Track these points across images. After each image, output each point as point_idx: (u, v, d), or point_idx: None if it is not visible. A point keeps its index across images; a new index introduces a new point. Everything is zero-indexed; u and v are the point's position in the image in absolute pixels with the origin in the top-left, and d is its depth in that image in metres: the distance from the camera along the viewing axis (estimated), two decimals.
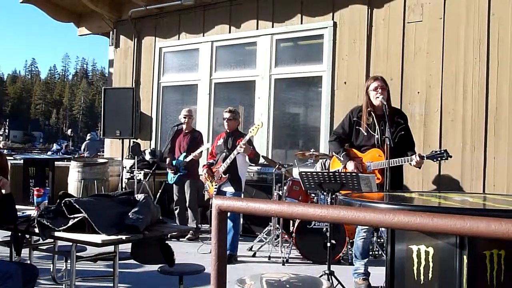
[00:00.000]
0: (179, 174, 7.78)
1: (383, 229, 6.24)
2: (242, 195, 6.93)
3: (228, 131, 6.88)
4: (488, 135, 6.99)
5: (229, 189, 6.67)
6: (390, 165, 4.90)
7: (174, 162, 7.86)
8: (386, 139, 4.86)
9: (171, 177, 7.91)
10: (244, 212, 1.50)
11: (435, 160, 5.18)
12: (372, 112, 5.21)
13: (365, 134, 5.21)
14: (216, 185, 6.72)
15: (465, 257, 2.30)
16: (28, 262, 4.42)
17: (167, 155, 8.19)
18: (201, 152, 7.67)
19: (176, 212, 7.99)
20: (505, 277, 2.36)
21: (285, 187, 7.11)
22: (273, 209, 1.45)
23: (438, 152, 5.10)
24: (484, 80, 7.05)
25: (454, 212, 2.30)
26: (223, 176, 6.64)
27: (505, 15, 6.96)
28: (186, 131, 8.01)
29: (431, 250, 2.41)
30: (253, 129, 6.51)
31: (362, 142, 5.25)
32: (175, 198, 8.00)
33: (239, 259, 6.51)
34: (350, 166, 5.13)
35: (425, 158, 5.04)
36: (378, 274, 5.11)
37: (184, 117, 7.98)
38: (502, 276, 2.35)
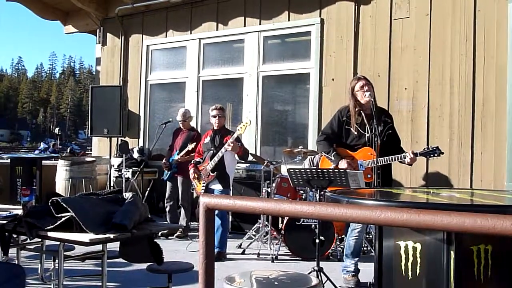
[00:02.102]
0: (171, 171, 7.84)
1: (371, 225, 6.26)
2: (231, 192, 6.93)
3: (215, 128, 6.83)
4: (475, 131, 7.04)
5: (217, 186, 6.63)
6: (383, 163, 4.93)
7: (170, 159, 7.95)
8: (375, 137, 4.88)
9: (165, 174, 8.00)
10: (232, 210, 1.50)
11: (428, 157, 5.21)
12: (361, 112, 5.23)
13: (355, 133, 5.22)
14: (203, 183, 6.69)
15: (452, 252, 2.31)
16: (16, 262, 4.39)
17: (166, 152, 8.38)
18: (188, 151, 7.69)
19: (167, 209, 8.03)
20: (492, 272, 2.38)
21: (273, 184, 7.12)
22: (260, 207, 1.45)
23: (431, 149, 5.12)
24: (470, 76, 7.09)
25: (441, 208, 2.32)
26: (211, 174, 6.60)
27: (491, 11, 7.00)
28: (184, 130, 8.13)
29: (418, 246, 2.43)
30: (241, 127, 6.45)
31: (353, 141, 5.26)
32: (167, 194, 8.04)
33: (228, 256, 6.50)
34: (343, 165, 5.12)
35: (418, 155, 5.06)
36: (367, 270, 5.13)
37: (179, 121, 8.13)
38: (489, 271, 2.37)
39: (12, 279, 3.43)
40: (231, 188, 6.93)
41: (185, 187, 7.81)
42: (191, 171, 6.85)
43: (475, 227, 1.13)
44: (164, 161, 8.08)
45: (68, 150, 23.84)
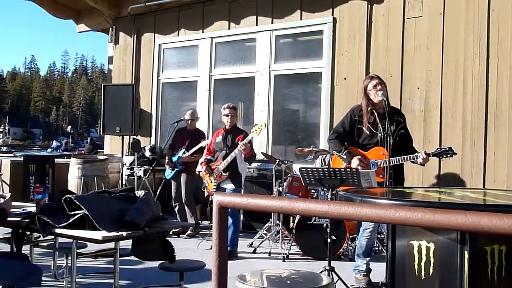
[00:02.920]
0: (176, 169, 7.81)
1: (383, 225, 6.25)
2: (242, 191, 6.92)
3: (227, 128, 6.80)
4: (488, 131, 6.99)
5: (229, 186, 6.63)
6: (395, 163, 4.91)
7: (173, 158, 7.90)
8: (387, 136, 4.86)
9: (168, 173, 7.94)
10: (245, 208, 1.50)
11: (440, 157, 5.18)
12: (373, 111, 5.21)
13: (368, 133, 5.20)
14: (215, 182, 6.67)
15: (466, 252, 2.29)
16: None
17: (167, 151, 8.22)
18: (194, 153, 7.69)
19: (176, 209, 8.01)
20: (506, 272, 2.36)
21: (285, 183, 7.11)
22: (274, 205, 1.45)
23: (444, 149, 5.10)
24: (484, 76, 7.04)
25: (455, 208, 2.30)
26: (223, 174, 6.59)
27: (505, 10, 6.95)
28: (189, 130, 8.09)
29: (432, 246, 2.41)
30: (255, 130, 6.41)
31: (365, 140, 5.24)
32: (173, 194, 8.03)
33: (239, 255, 6.51)
34: (355, 163, 5.10)
35: (431, 156, 5.04)
36: (379, 270, 5.12)
37: (187, 120, 8.07)
38: (503, 272, 2.35)
39: (29, 276, 3.47)
40: (243, 187, 6.91)
41: (189, 185, 7.80)
42: (203, 168, 6.82)
43: (491, 227, 1.12)
44: (167, 160, 8.03)
45: (89, 140, 23.77)
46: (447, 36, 7.36)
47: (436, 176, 7.32)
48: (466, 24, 7.22)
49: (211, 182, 6.73)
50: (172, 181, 8.02)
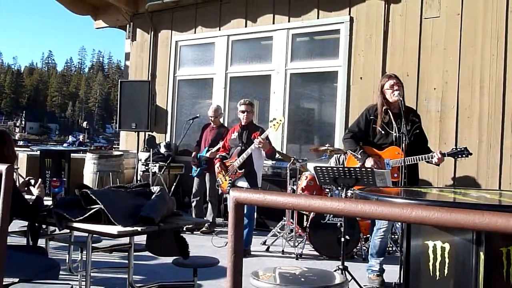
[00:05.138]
0: (200, 168, 7.85)
1: (397, 225, 6.22)
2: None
3: (243, 124, 6.63)
4: (505, 132, 6.94)
5: (244, 184, 6.45)
6: (410, 163, 4.89)
7: (198, 156, 7.93)
8: (402, 136, 4.84)
9: (194, 170, 7.99)
10: (261, 205, 1.50)
11: (455, 157, 5.15)
12: (388, 110, 5.19)
13: (383, 132, 5.18)
14: (230, 180, 6.54)
15: (481, 253, 2.29)
16: None
17: (194, 148, 8.29)
18: (218, 149, 7.67)
19: (193, 204, 8.04)
20: None
21: (299, 182, 7.10)
22: (290, 202, 1.45)
23: (459, 149, 5.07)
24: (501, 76, 6.99)
25: (472, 208, 2.30)
26: (239, 171, 6.45)
27: None
28: (214, 126, 8.08)
29: (447, 246, 2.41)
30: (274, 125, 6.22)
31: (380, 140, 5.22)
32: (194, 190, 8.04)
33: (252, 253, 6.50)
34: (369, 163, 5.09)
35: (446, 156, 5.01)
36: (392, 271, 5.10)
37: (210, 117, 8.06)
38: None
39: (48, 270, 3.51)
40: (259, 187, 6.69)
41: (213, 183, 7.80)
42: (217, 165, 6.69)
43: (508, 227, 1.12)
44: (192, 157, 8.07)
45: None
46: (464, 37, 7.31)
47: (451, 177, 7.28)
48: (483, 24, 7.17)
49: (226, 180, 6.59)
50: (196, 178, 8.05)
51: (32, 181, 3.84)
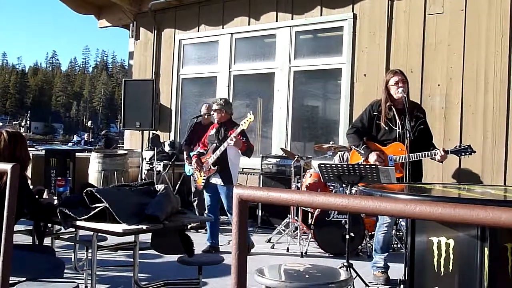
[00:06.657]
0: None
1: (402, 222, 6.22)
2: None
3: (215, 122, 6.64)
4: (510, 129, 6.92)
5: (218, 181, 6.39)
6: (413, 159, 4.88)
7: (191, 154, 7.89)
8: (406, 132, 4.83)
9: (188, 169, 7.95)
10: (265, 202, 1.50)
11: (459, 155, 5.14)
12: (392, 106, 5.18)
13: (386, 128, 5.17)
14: (204, 176, 6.49)
15: (486, 249, 2.28)
16: None
17: (184, 147, 8.19)
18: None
19: (194, 203, 8.02)
20: None
21: (303, 179, 7.10)
22: (294, 199, 1.45)
23: (462, 147, 5.05)
24: (506, 73, 6.97)
25: (476, 203, 2.29)
26: (212, 168, 6.39)
27: None
28: (204, 124, 8.03)
29: (451, 242, 2.40)
30: (244, 122, 6.21)
31: (383, 136, 5.22)
32: (193, 189, 8.03)
33: (257, 250, 6.49)
34: (372, 158, 5.07)
35: (449, 153, 5.00)
36: (397, 267, 5.10)
37: (204, 114, 8.04)
38: None
39: (53, 269, 3.53)
40: (234, 185, 6.50)
41: None
42: (193, 161, 6.65)
43: None
44: (185, 156, 8.00)
45: (103, 133, 23.92)
46: (468, 33, 7.29)
47: (455, 173, 7.26)
48: (487, 21, 7.14)
49: (201, 176, 6.56)
50: (192, 177, 8.02)
51: (45, 192, 3.90)
